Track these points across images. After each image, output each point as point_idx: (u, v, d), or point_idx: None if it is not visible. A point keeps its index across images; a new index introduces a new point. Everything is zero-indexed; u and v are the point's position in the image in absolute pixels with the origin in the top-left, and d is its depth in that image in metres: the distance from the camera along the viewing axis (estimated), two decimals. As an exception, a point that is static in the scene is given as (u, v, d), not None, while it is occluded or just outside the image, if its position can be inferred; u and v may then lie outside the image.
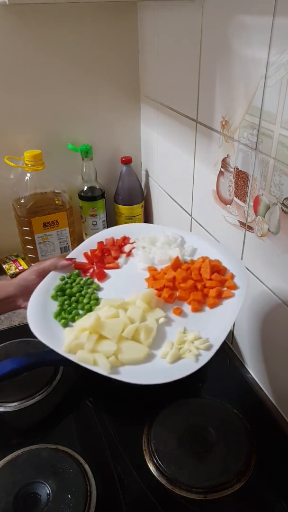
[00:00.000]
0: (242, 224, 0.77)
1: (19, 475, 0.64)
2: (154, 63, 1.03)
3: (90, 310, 0.71)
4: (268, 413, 0.76)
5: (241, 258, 0.80)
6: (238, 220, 0.78)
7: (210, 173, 0.85)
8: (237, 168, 0.76)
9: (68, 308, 0.72)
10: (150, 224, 1.05)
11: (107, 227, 1.17)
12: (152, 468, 0.66)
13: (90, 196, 1.15)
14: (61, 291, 0.75)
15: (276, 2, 0.58)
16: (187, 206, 1.00)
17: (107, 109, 1.14)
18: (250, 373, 0.84)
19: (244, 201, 0.75)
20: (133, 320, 0.67)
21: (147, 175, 1.25)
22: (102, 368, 0.61)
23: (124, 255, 0.83)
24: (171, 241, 0.83)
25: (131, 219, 1.21)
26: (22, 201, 1.07)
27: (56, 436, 0.71)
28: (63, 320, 0.70)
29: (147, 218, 1.29)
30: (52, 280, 0.77)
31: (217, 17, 0.73)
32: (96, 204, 1.16)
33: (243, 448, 0.68)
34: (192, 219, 0.99)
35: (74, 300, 0.74)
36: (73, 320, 0.71)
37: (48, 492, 0.62)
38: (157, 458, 0.66)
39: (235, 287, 0.71)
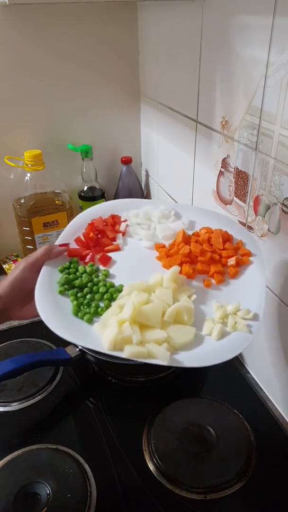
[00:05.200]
0: (242, 224, 0.77)
1: (19, 475, 0.64)
2: (154, 63, 1.03)
3: (112, 299, 0.64)
4: (268, 413, 0.76)
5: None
6: (238, 220, 0.78)
7: (210, 173, 0.85)
8: (237, 168, 0.76)
9: (85, 301, 0.65)
10: (136, 199, 0.90)
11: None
12: (152, 468, 0.66)
13: (90, 196, 1.15)
14: (68, 284, 0.66)
15: (276, 2, 0.58)
16: (187, 206, 1.00)
17: (107, 109, 1.14)
18: (250, 373, 0.84)
19: (244, 201, 0.75)
20: (167, 302, 0.61)
21: (147, 175, 1.25)
22: (161, 359, 0.55)
23: (120, 235, 0.75)
24: (167, 215, 0.77)
25: (131, 219, 1.21)
26: (22, 201, 1.07)
27: (56, 436, 0.71)
28: (86, 316, 0.62)
29: (147, 218, 1.29)
30: (51, 273, 0.67)
31: (217, 17, 0.73)
32: (96, 204, 1.16)
33: (243, 448, 0.68)
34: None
35: (88, 291, 0.66)
36: (97, 313, 0.63)
37: (48, 492, 0.62)
38: (157, 458, 0.66)
39: (249, 253, 0.69)
